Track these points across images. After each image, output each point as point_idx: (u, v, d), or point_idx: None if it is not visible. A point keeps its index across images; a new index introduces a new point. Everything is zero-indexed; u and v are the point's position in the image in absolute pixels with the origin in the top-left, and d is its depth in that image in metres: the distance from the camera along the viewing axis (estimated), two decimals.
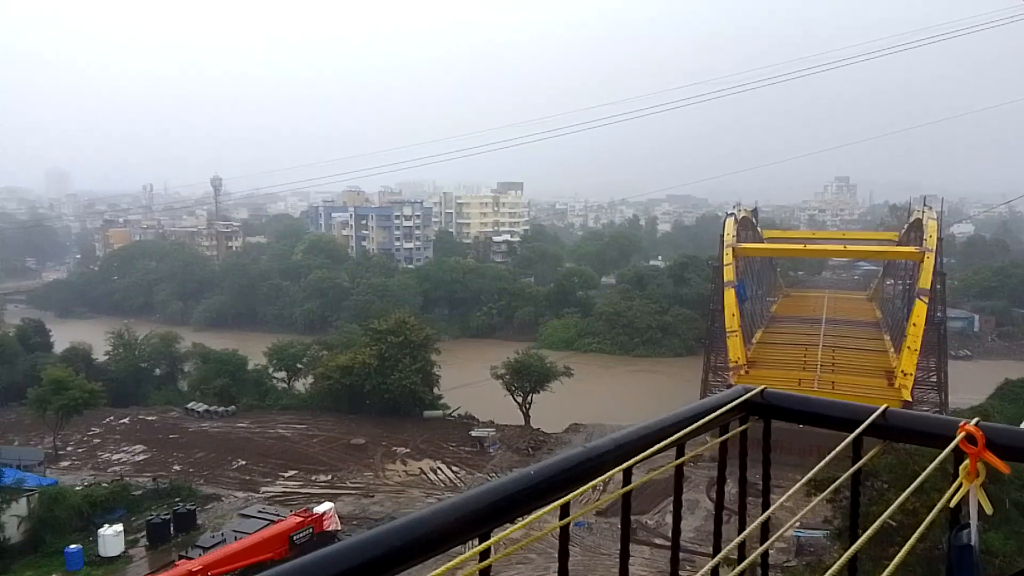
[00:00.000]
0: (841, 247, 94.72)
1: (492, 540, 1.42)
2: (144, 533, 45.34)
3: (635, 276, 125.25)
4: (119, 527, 43.78)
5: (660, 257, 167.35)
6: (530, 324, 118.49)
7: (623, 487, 1.74)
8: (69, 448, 61.05)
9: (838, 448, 1.93)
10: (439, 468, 57.00)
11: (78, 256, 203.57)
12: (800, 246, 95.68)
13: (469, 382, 73.81)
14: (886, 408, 1.98)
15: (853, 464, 1.90)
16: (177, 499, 49.47)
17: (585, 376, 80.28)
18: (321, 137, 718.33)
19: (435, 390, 72.83)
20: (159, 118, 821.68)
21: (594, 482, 1.64)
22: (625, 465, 1.71)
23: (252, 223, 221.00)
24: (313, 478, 54.83)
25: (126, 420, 68.96)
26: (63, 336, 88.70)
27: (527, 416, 69.16)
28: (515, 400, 69.55)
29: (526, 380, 69.11)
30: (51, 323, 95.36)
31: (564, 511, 1.56)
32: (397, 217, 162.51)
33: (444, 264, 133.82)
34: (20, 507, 44.78)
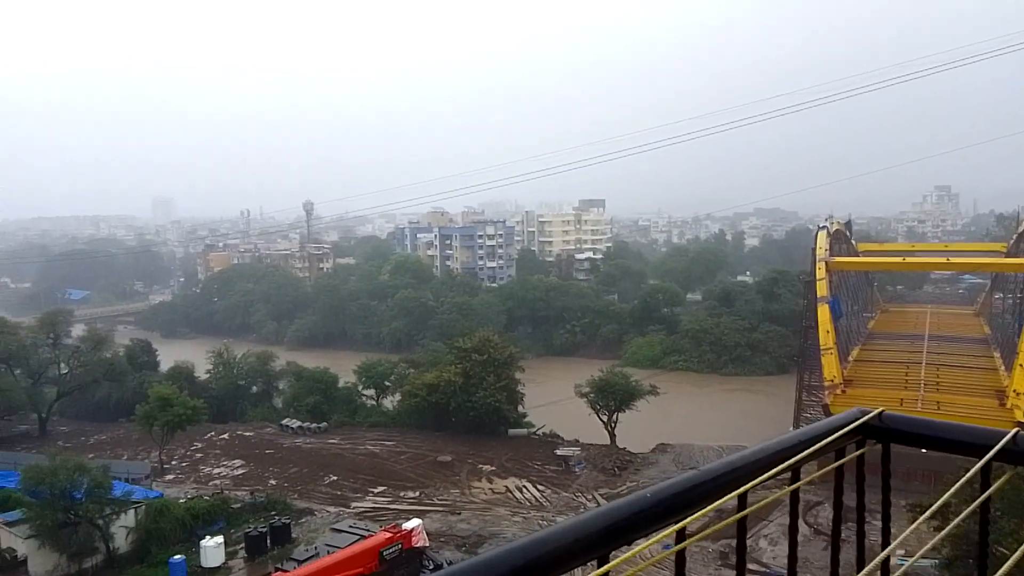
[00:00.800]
0: (943, 259, 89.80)
1: (612, 564, 1.38)
2: (242, 545, 47.04)
3: (722, 292, 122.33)
4: (220, 539, 45.59)
5: (748, 273, 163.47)
6: (614, 342, 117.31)
7: (738, 511, 1.68)
8: (173, 462, 64.18)
9: (969, 474, 1.85)
10: (525, 487, 56.89)
11: (181, 279, 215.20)
12: (899, 259, 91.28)
13: (553, 400, 73.54)
14: (1017, 432, 1.92)
15: (982, 492, 1.82)
16: (273, 512, 51.16)
17: (671, 395, 78.75)
18: (408, 161, 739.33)
19: (519, 408, 72.91)
20: (256, 149, 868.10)
21: (712, 507, 1.59)
22: (741, 490, 1.66)
23: (342, 245, 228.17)
24: (401, 494, 55.68)
25: (226, 436, 72.00)
26: (168, 355, 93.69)
27: (612, 435, 68.32)
28: (600, 419, 68.85)
29: (611, 399, 68.33)
30: (157, 343, 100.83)
31: (680, 535, 1.52)
32: (480, 236, 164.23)
33: (527, 282, 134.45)
34: (128, 518, 47.32)
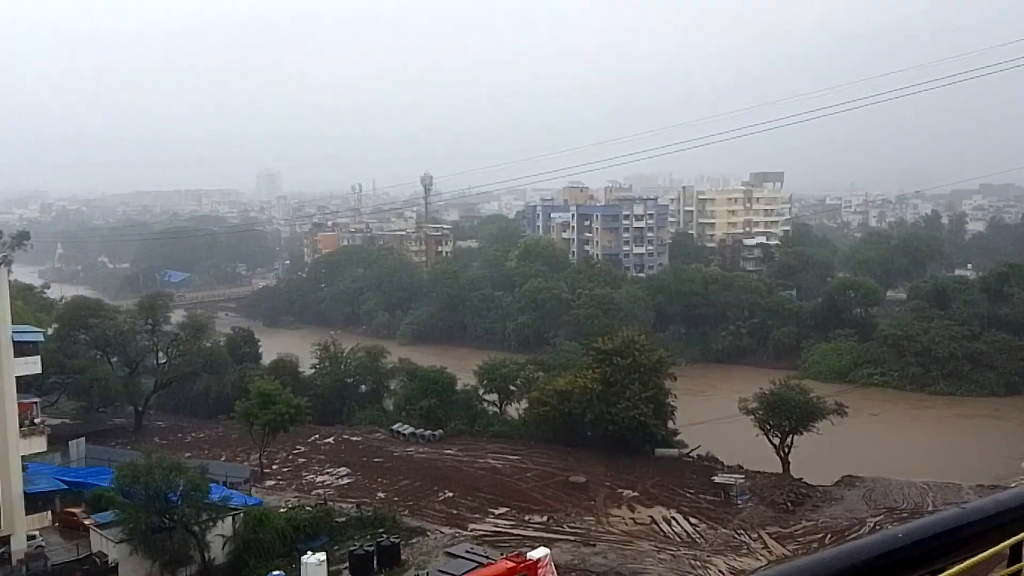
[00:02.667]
0: None
1: None
2: (346, 565, 49.05)
3: (934, 290, 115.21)
4: (322, 556, 47.74)
5: (969, 266, 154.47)
6: (790, 348, 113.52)
7: (1008, 566, 1.53)
8: (274, 466, 67.96)
9: None
10: (674, 518, 55.97)
11: (287, 262, 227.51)
12: None
13: (711, 417, 72.00)
14: None
15: None
16: (381, 530, 53.00)
17: (862, 416, 75.02)
18: (541, 129, 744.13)
19: (669, 424, 72.07)
20: (369, 119, 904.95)
21: (983, 556, 1.45)
22: (1016, 539, 1.52)
23: (463, 225, 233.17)
24: (526, 518, 56.21)
25: (331, 439, 75.45)
26: (270, 346, 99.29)
27: (785, 462, 65.96)
28: (770, 442, 66.64)
29: (785, 418, 65.93)
30: (259, 332, 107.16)
31: None
32: (626, 217, 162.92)
33: (682, 272, 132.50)
34: (225, 526, 50.56)
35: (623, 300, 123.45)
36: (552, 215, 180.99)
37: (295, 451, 71.86)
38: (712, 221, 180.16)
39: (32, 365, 52.36)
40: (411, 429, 75.84)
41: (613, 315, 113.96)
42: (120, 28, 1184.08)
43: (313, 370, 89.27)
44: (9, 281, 56.03)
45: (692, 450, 69.73)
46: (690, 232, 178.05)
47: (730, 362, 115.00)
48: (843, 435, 67.29)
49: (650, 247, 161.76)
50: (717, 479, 61.92)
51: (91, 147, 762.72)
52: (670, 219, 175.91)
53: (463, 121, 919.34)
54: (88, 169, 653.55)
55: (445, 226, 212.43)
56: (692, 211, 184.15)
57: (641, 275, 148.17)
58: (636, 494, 60.10)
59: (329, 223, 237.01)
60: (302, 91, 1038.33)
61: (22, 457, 50.54)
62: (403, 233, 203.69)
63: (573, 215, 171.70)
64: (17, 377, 50.16)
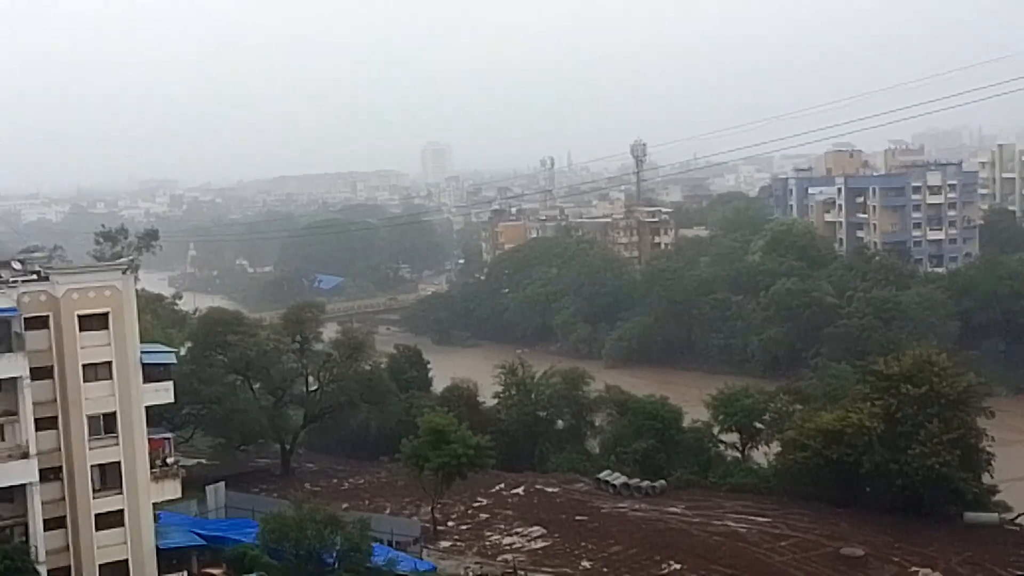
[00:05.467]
0: None
1: None
2: None
3: None
4: None
5: None
6: None
7: None
8: (450, 523, 69.78)
9: None
10: None
11: (461, 261, 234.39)
12: None
13: None
14: None
15: None
16: None
17: None
18: (788, 79, 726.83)
19: (984, 477, 68.70)
20: (561, 77, 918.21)
21: None
22: None
23: (688, 208, 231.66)
24: None
25: (520, 490, 76.65)
26: (442, 369, 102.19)
27: None
28: None
29: None
30: (428, 351, 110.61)
31: None
32: (916, 190, 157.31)
33: (999, 267, 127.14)
34: None
35: (913, 305, 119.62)
36: (810, 190, 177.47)
37: (476, 503, 73.46)
38: None
39: (164, 393, 55.60)
40: (623, 479, 75.75)
41: (899, 326, 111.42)
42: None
43: (496, 400, 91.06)
44: (136, 290, 60.61)
45: (1020, 515, 66.82)
46: (1011, 208, 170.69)
47: None
48: None
49: (952, 231, 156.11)
50: None
51: (227, 130, 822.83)
52: (980, 191, 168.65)
53: (684, 74, 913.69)
54: (224, 153, 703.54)
55: (664, 209, 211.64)
56: (1014, 179, 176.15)
57: (939, 270, 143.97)
58: (938, 574, 57.32)
59: (513, 209, 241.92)
60: (476, 50, 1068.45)
61: (153, 505, 54.26)
62: (608, 220, 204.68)
63: (840, 190, 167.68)
64: (147, 407, 53.94)
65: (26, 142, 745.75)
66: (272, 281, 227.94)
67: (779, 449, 75.63)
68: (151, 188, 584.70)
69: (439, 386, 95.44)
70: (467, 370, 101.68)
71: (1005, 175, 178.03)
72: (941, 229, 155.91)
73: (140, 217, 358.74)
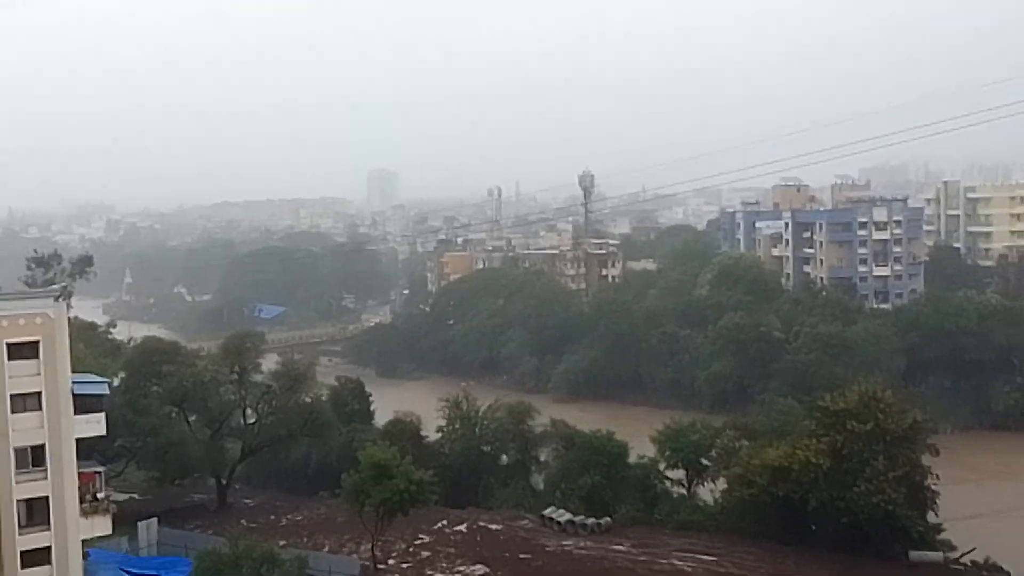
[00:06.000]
0: None
1: None
2: None
3: None
4: None
5: None
6: None
7: None
8: (391, 560, 69.00)
9: None
10: None
11: (406, 291, 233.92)
12: None
13: (992, 508, 68.73)
14: None
15: None
16: None
17: None
18: (738, 111, 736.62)
19: (929, 516, 69.13)
20: (508, 106, 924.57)
21: None
22: None
23: (636, 240, 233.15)
24: None
25: (463, 527, 76.07)
26: (386, 402, 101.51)
27: None
28: None
29: None
30: (371, 383, 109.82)
31: None
32: (863, 225, 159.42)
33: (944, 303, 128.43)
34: None
35: (860, 340, 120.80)
36: (757, 224, 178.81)
37: (417, 541, 72.70)
38: (988, 230, 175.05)
39: (96, 425, 54.79)
40: (568, 516, 75.39)
41: (846, 362, 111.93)
42: (193, 16, 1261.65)
43: (440, 434, 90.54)
44: (69, 318, 59.66)
45: (964, 554, 67.26)
46: (955, 246, 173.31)
47: (1019, 429, 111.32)
48: None
49: (898, 267, 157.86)
50: None
51: (164, 153, 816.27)
52: (926, 227, 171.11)
53: (633, 104, 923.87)
54: (162, 178, 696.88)
55: (612, 241, 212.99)
56: (958, 215, 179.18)
57: (885, 306, 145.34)
58: None
59: (459, 239, 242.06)
60: (422, 74, 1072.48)
61: (82, 542, 53.22)
62: (556, 251, 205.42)
63: (787, 224, 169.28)
64: (77, 440, 52.99)
65: None
66: (211, 310, 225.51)
67: (725, 486, 75.73)
68: (87, 212, 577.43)
69: (382, 419, 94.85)
70: (411, 403, 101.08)
71: (950, 212, 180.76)
72: (887, 265, 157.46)
73: (75, 243, 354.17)
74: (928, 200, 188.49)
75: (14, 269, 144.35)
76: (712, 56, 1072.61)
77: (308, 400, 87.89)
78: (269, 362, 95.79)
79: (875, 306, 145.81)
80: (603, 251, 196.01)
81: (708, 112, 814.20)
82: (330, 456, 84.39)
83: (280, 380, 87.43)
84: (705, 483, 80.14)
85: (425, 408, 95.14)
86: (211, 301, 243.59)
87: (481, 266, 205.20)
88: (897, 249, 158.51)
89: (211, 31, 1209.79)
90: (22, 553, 49.32)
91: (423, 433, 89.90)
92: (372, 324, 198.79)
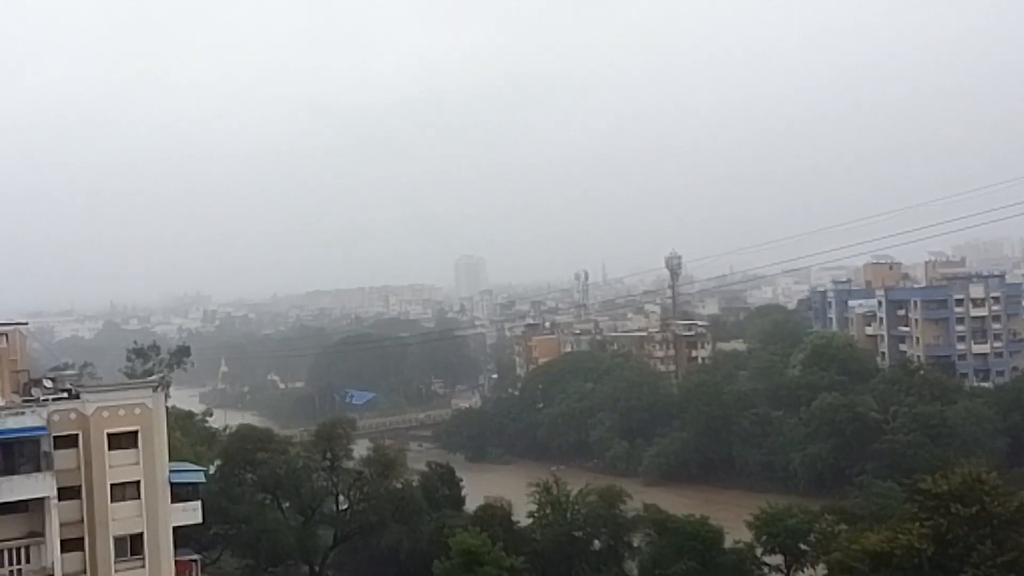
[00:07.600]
0: None
1: None
2: None
3: None
4: None
5: None
6: None
7: None
8: None
9: None
10: None
11: (494, 375, 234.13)
12: None
13: None
14: None
15: None
16: None
17: None
18: (830, 192, 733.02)
19: None
20: (595, 189, 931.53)
21: None
22: None
23: (725, 320, 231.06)
24: None
25: None
26: (476, 487, 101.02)
27: None
28: None
29: None
30: (460, 468, 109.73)
31: None
32: (959, 302, 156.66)
33: None
34: None
35: (960, 420, 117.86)
36: (850, 303, 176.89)
37: None
38: None
39: (192, 513, 55.75)
40: None
41: (946, 442, 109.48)
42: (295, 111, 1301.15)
43: (531, 519, 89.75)
44: (167, 407, 60.82)
45: None
46: None
47: None
48: None
49: (997, 344, 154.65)
50: None
51: (260, 244, 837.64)
52: None
53: (721, 185, 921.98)
54: (257, 268, 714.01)
55: (700, 322, 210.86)
56: None
57: (986, 384, 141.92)
58: None
59: (546, 323, 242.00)
60: (512, 160, 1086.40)
61: None
62: (644, 334, 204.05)
63: (880, 302, 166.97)
64: (174, 528, 53.68)
65: (59, 255, 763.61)
66: (303, 397, 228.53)
67: (825, 572, 73.66)
68: (184, 304, 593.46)
69: (472, 505, 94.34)
70: (501, 488, 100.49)
71: None
72: (986, 342, 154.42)
73: (172, 333, 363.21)
74: None
75: (115, 360, 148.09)
76: (797, 139, 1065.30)
77: (399, 486, 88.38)
78: (360, 448, 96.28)
79: (975, 384, 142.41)
80: (692, 332, 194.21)
81: (798, 194, 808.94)
82: (421, 542, 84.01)
83: (371, 466, 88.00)
84: (803, 569, 78.21)
85: (515, 493, 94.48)
86: (303, 388, 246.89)
87: (569, 349, 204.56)
88: (996, 326, 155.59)
89: (299, 130, 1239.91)
90: None
91: (514, 518, 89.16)
92: (461, 409, 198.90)
